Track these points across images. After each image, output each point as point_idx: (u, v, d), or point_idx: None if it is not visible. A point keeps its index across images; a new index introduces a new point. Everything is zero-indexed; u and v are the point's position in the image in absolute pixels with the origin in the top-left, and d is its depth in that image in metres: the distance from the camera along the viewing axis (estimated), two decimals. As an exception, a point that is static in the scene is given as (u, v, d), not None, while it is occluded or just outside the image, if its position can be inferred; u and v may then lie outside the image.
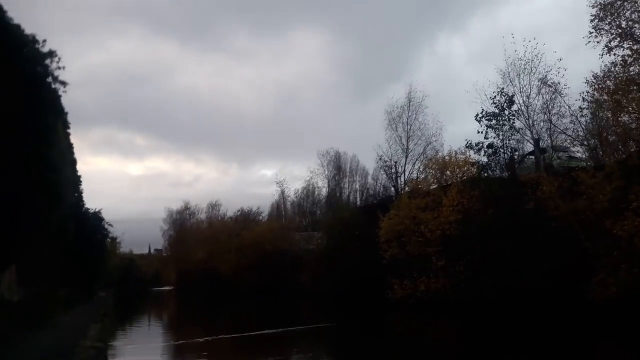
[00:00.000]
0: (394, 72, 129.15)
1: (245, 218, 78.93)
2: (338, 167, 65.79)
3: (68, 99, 46.57)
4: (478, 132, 27.22)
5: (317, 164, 64.51)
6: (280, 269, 56.97)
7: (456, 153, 30.38)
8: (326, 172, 63.80)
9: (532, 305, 21.32)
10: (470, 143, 27.39)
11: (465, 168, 29.33)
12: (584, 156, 28.23)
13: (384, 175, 39.11)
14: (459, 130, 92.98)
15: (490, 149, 26.96)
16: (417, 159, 36.81)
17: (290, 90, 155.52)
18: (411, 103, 37.60)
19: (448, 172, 30.26)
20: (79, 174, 53.51)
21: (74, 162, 49.96)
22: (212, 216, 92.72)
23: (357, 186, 65.80)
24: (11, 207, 19.47)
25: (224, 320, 32.06)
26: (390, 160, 37.91)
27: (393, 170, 37.97)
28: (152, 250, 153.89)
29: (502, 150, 27.02)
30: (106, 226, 57.45)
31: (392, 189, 38.36)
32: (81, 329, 18.90)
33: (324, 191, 65.67)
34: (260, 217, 79.93)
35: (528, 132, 26.71)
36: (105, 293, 76.66)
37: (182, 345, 19.62)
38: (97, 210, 56.38)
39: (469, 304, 25.75)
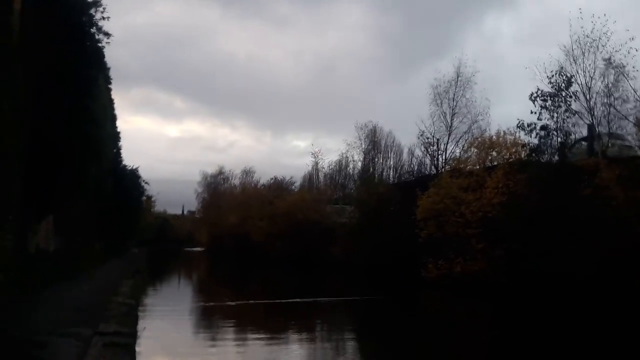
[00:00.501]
0: (437, 49, 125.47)
1: (278, 186, 79.09)
2: (374, 142, 64.56)
3: (110, 56, 46.69)
4: (531, 113, 25.72)
5: (355, 136, 63.23)
6: (311, 240, 56.92)
7: (504, 133, 28.99)
8: (363, 146, 62.65)
9: (578, 295, 20.26)
10: (522, 123, 25.93)
11: (514, 150, 27.92)
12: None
13: (422, 153, 37.81)
14: (502, 113, 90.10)
15: (544, 131, 25.46)
16: (460, 138, 35.56)
17: (329, 62, 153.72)
18: (459, 79, 36.14)
19: (494, 152, 28.91)
20: (118, 130, 54.30)
21: (114, 117, 50.38)
22: (246, 182, 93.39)
23: (391, 162, 64.70)
24: (52, 159, 19.43)
25: (254, 285, 32.06)
26: (433, 137, 36.70)
27: (434, 148, 36.77)
28: (185, 212, 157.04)
29: (555, 133, 25.49)
30: (143, 184, 58.42)
31: (432, 167, 37.18)
32: (114, 283, 18.92)
33: (359, 165, 64.60)
34: (293, 187, 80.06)
35: (587, 115, 25.06)
36: (139, 250, 78.68)
37: (211, 307, 19.53)
38: (134, 167, 57.21)
39: (506, 289, 24.86)
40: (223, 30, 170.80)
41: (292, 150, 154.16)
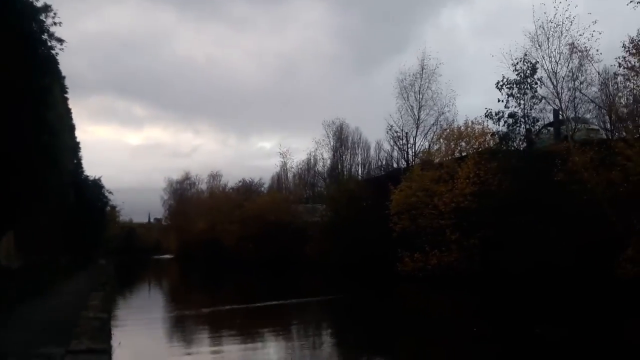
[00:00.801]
0: (397, 44, 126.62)
1: (247, 189, 78.18)
2: (340, 139, 64.51)
3: (65, 65, 45.04)
4: (498, 101, 25.94)
5: (322, 134, 62.98)
6: (284, 241, 56.39)
7: (472, 123, 29.17)
8: (331, 143, 62.48)
9: (553, 281, 20.45)
10: (490, 112, 26.11)
11: (482, 139, 28.14)
12: (602, 127, 27.00)
13: (392, 147, 37.79)
14: (468, 104, 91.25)
15: (511, 119, 25.68)
16: (428, 130, 35.69)
17: (291, 62, 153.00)
18: (424, 71, 36.29)
19: (463, 143, 29.08)
20: (77, 140, 52.50)
21: (72, 127, 48.65)
22: (213, 186, 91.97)
23: (359, 159, 64.81)
24: (6, 171, 18.41)
25: (227, 290, 31.35)
26: (402, 130, 36.72)
27: (404, 141, 36.78)
28: (151, 220, 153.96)
29: (523, 120, 25.73)
30: (106, 194, 56.69)
31: (402, 160, 37.20)
32: (82, 297, 17.97)
33: (327, 163, 64.46)
34: (262, 189, 79.32)
35: (555, 101, 25.25)
36: (106, 261, 76.27)
37: (185, 316, 18.85)
38: (96, 177, 55.46)
39: (482, 278, 24.99)
40: (180, 34, 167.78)
41: (258, 152, 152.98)
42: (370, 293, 24.35)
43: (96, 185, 55.50)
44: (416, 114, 36.04)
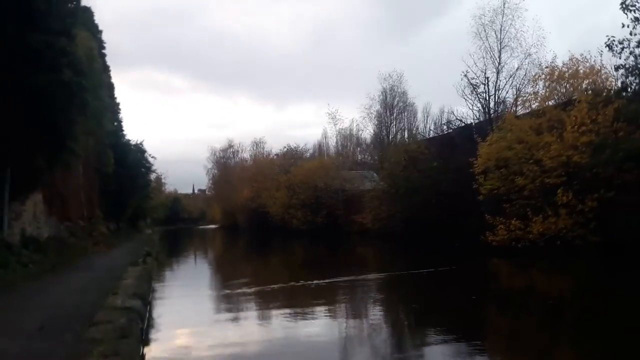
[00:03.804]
0: (437, 7, 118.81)
1: (293, 155, 74.63)
2: (385, 103, 59.57)
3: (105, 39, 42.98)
4: (622, 27, 20.41)
5: (370, 97, 58.01)
6: (335, 209, 52.83)
7: (578, 61, 23.77)
8: (377, 108, 57.58)
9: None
10: (612, 41, 20.61)
11: (595, 77, 22.79)
12: None
13: (469, 96, 32.39)
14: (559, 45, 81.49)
15: (641, 48, 20.16)
16: (512, 75, 30.30)
17: (327, 28, 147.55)
18: (506, 5, 30.68)
19: (567, 85, 23.73)
20: (117, 101, 49.48)
21: (111, 86, 45.62)
22: (257, 154, 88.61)
23: (405, 124, 59.98)
24: (21, 107, 14.76)
25: (284, 264, 27.45)
26: (484, 74, 31.15)
27: (482, 89, 31.46)
28: (196, 190, 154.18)
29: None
30: (149, 159, 54.04)
31: (483, 111, 31.91)
32: (116, 274, 14.29)
33: (371, 129, 59.90)
34: (306, 155, 75.76)
35: None
36: (152, 230, 74.94)
37: (242, 295, 14.68)
38: (139, 142, 52.65)
39: (600, 249, 20.17)
40: (216, 4, 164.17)
41: (296, 122, 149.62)
42: (459, 268, 19.69)
43: (139, 149, 52.69)
44: (497, 56, 30.62)
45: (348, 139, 65.62)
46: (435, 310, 12.14)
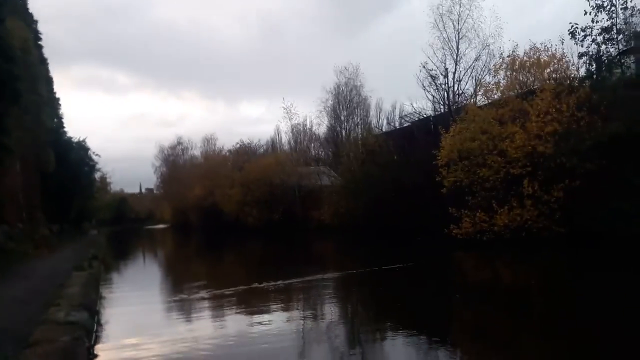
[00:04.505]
0: (384, 2, 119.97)
1: (246, 151, 72.86)
2: (339, 99, 59.06)
3: (44, 35, 40.24)
4: (585, 14, 20.33)
5: (326, 90, 57.19)
6: (292, 205, 51.71)
7: (537, 50, 23.62)
8: (329, 104, 56.96)
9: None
10: (575, 28, 20.47)
11: (558, 66, 22.67)
12: None
13: (428, 88, 31.95)
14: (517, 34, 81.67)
15: (605, 34, 20.08)
16: (469, 67, 30.09)
17: (275, 23, 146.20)
18: (464, -6, 30.43)
19: (529, 73, 23.49)
20: (57, 96, 46.41)
21: (49, 80, 42.61)
22: (208, 151, 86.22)
23: (358, 119, 59.62)
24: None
25: (241, 265, 26.14)
26: (444, 66, 30.74)
27: (443, 81, 31.09)
28: (143, 190, 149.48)
29: (617, 36, 20.11)
30: (93, 157, 51.27)
31: (442, 103, 31.56)
32: (59, 280, 12.71)
33: (325, 124, 59.26)
34: (260, 151, 74.26)
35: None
36: (97, 231, 71.44)
37: (199, 301, 13.37)
38: (81, 139, 49.80)
39: (566, 240, 20.06)
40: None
41: (247, 119, 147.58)
42: (426, 264, 19.11)
43: (81, 147, 49.82)
44: (455, 47, 30.35)
45: (302, 134, 64.65)
46: (398, 307, 11.41)
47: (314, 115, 60.56)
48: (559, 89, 21.23)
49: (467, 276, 17.02)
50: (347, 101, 54.50)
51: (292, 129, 60.73)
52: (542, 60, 23.35)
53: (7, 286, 12.28)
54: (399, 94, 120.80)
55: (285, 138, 66.66)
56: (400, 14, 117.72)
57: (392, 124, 52.62)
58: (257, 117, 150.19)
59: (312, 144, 67.75)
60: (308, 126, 62.93)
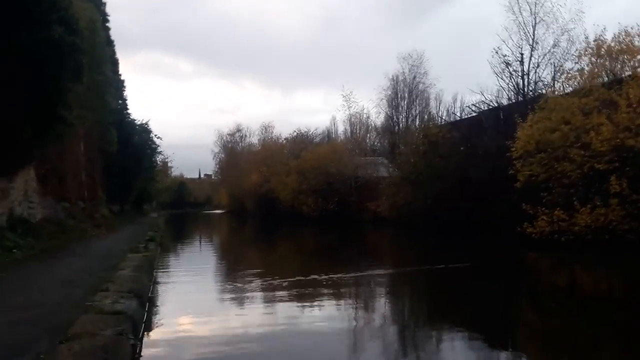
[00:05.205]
0: None
1: (303, 140, 72.48)
2: (396, 89, 57.39)
3: (111, 24, 40.92)
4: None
5: (384, 81, 55.74)
6: (347, 196, 50.74)
7: (627, 35, 21.30)
8: (389, 94, 55.30)
9: None
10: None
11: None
12: None
13: (503, 75, 29.78)
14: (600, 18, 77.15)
15: None
16: (547, 53, 27.83)
17: (335, 13, 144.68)
18: (542, -23, 28.17)
19: (621, 59, 21.24)
20: (122, 78, 47.19)
21: (115, 62, 43.37)
22: (266, 138, 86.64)
23: (417, 110, 57.66)
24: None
25: (297, 253, 25.38)
26: (519, 50, 28.57)
27: (513, 68, 28.96)
28: (202, 175, 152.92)
29: None
30: (155, 140, 52.19)
31: (517, 91, 29.43)
32: (111, 262, 12.25)
33: (382, 116, 57.99)
34: (316, 141, 73.68)
35: None
36: (157, 214, 73.22)
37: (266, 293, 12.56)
38: (144, 122, 50.68)
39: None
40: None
41: (303, 108, 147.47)
42: (492, 265, 17.57)
43: (144, 129, 50.76)
44: (531, 32, 28.15)
45: (358, 124, 63.44)
46: (467, 312, 10.16)
47: (371, 105, 59.31)
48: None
49: (547, 279, 15.42)
50: (410, 89, 52.70)
51: (350, 118, 59.52)
52: (634, 45, 21.00)
53: (59, 265, 11.95)
54: (459, 87, 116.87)
55: (341, 128, 65.74)
56: (461, 6, 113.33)
57: (453, 115, 50.58)
58: (313, 107, 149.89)
59: (368, 135, 66.77)
60: (365, 117, 61.91)
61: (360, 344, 7.75)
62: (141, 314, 7.60)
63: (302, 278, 13.67)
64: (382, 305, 11.44)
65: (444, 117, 52.09)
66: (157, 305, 9.90)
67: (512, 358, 7.28)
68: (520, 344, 8.03)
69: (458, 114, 47.66)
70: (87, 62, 18.11)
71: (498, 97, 31.52)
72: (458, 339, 8.02)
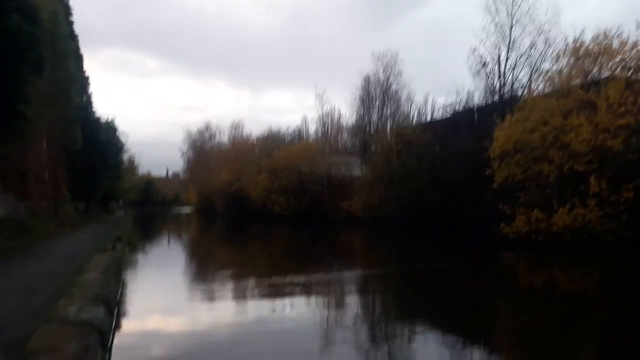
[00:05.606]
0: None
1: (274, 138, 71.83)
2: (367, 91, 57.14)
3: (76, 19, 39.30)
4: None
5: (356, 84, 55.48)
6: (319, 195, 50.22)
7: (605, 37, 21.32)
8: (361, 93, 55.01)
9: None
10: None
11: (629, 54, 20.39)
12: None
13: (482, 76, 29.65)
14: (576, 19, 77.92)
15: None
16: (523, 54, 27.78)
17: (305, 14, 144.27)
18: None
19: (595, 63, 21.24)
20: (86, 74, 45.45)
21: (79, 57, 41.73)
22: (236, 137, 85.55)
23: (389, 111, 57.57)
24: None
25: (271, 255, 24.66)
26: (496, 51, 28.42)
27: (493, 68, 28.82)
28: (170, 173, 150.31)
29: None
30: (121, 138, 50.70)
31: (494, 93, 29.31)
32: (76, 263, 11.35)
33: (354, 117, 57.85)
34: (288, 139, 73.18)
35: None
36: (124, 212, 71.30)
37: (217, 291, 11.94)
38: (110, 119, 49.14)
39: (629, 246, 17.99)
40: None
41: (273, 108, 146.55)
42: (469, 265, 17.30)
43: (110, 127, 49.29)
44: (508, 33, 28.09)
45: (329, 124, 63.10)
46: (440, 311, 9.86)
47: (345, 105, 59.36)
48: (633, 78, 19.03)
49: (524, 279, 15.19)
50: (383, 89, 52.44)
51: (322, 117, 59.01)
52: (612, 47, 21.04)
53: (19, 268, 11.00)
54: (430, 87, 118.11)
55: (312, 127, 65.24)
56: (432, 8, 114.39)
57: (424, 116, 50.55)
58: (284, 106, 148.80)
59: (340, 134, 66.45)
60: (337, 116, 61.59)
61: (331, 344, 7.60)
62: (109, 322, 6.83)
63: (272, 278, 13.16)
64: (353, 305, 11.02)
65: (414, 118, 52.26)
66: (125, 312, 9.10)
67: (485, 356, 7.21)
68: (495, 342, 7.96)
69: (429, 115, 47.88)
70: (48, 55, 17.03)
71: (472, 98, 31.44)
72: (432, 338, 7.95)
